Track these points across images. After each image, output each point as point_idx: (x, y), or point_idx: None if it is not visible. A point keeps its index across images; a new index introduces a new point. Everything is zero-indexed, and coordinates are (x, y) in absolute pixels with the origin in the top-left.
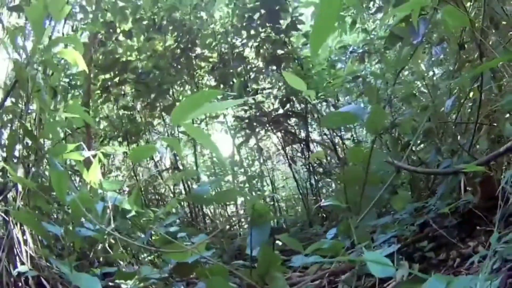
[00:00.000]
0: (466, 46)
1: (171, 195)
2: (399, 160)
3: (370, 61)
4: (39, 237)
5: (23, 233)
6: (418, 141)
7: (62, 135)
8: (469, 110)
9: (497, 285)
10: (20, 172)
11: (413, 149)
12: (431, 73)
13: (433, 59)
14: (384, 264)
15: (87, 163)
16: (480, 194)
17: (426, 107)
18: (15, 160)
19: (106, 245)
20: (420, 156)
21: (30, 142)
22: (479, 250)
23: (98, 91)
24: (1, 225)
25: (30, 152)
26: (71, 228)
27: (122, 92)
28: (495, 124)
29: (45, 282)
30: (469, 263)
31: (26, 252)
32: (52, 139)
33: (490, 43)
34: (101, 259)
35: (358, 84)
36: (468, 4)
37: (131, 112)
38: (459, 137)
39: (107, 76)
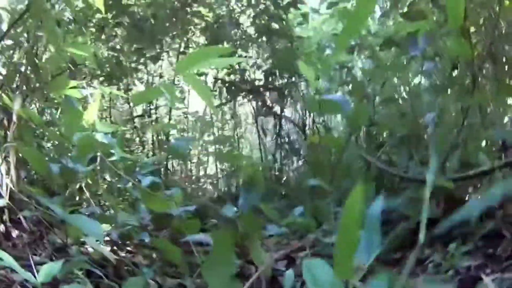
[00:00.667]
0: (458, 67)
1: (139, 143)
2: (371, 157)
3: (359, 55)
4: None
5: (7, 168)
6: (392, 144)
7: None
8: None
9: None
10: (18, 103)
11: (386, 150)
12: (416, 80)
13: (422, 70)
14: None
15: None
16: (443, 207)
17: (404, 114)
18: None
19: (83, 185)
20: (391, 158)
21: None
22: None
23: (93, 29)
24: None
25: (30, 84)
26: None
27: (114, 34)
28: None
29: (22, 220)
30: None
31: (7, 186)
32: (53, 73)
33: (484, 72)
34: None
35: (342, 74)
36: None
37: (118, 55)
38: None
39: (102, 16)
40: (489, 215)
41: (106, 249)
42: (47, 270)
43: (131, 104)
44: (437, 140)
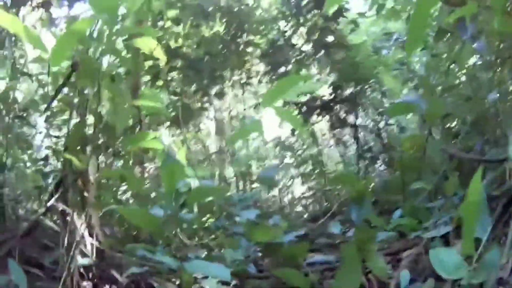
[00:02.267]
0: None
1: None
2: (451, 148)
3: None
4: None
5: (88, 226)
6: (466, 130)
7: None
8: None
9: None
10: (93, 164)
11: (462, 137)
12: (471, 61)
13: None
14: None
15: None
16: None
17: (468, 98)
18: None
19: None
20: (468, 144)
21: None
22: None
23: (147, 79)
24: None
25: (98, 142)
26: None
27: (169, 78)
28: None
29: (114, 273)
30: None
31: (92, 245)
32: (121, 128)
33: None
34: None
35: (402, 72)
36: None
37: (180, 98)
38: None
39: (154, 63)
40: None
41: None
42: None
43: (204, 144)
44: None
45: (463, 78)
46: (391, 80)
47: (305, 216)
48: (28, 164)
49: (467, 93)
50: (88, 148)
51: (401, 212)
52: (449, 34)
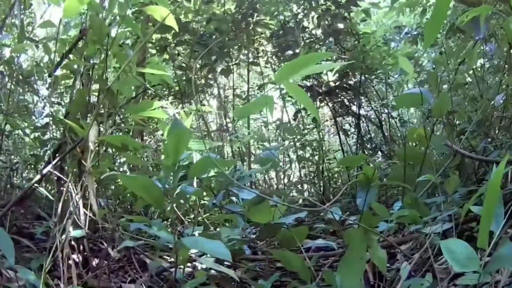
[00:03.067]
0: None
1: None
2: (455, 145)
3: (423, 45)
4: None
5: (83, 196)
6: (471, 129)
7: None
8: None
9: None
10: (94, 130)
11: (465, 136)
12: (478, 63)
13: (489, 56)
14: (469, 255)
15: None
16: None
17: (475, 98)
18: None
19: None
20: (471, 143)
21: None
22: None
23: (154, 51)
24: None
25: (103, 110)
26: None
27: (176, 52)
28: None
29: (106, 246)
30: None
31: (86, 215)
32: (126, 96)
33: None
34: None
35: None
36: None
37: (185, 72)
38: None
39: (162, 36)
40: None
41: (226, 268)
42: None
43: (206, 120)
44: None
45: (469, 78)
46: (407, 63)
47: (301, 201)
48: (28, 131)
49: (474, 93)
50: (90, 116)
51: (401, 205)
52: (460, 33)
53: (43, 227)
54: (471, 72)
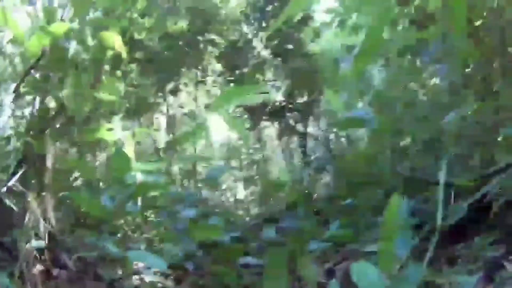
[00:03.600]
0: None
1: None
2: (401, 166)
3: (374, 64)
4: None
5: (43, 210)
6: (416, 149)
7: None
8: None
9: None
10: (51, 149)
11: (411, 155)
12: (431, 82)
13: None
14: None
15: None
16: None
17: (425, 117)
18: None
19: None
20: (417, 163)
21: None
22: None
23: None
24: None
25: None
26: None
27: (128, 69)
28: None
29: (65, 257)
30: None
31: (45, 228)
32: (79, 115)
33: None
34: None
35: (358, 85)
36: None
37: (136, 90)
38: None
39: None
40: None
41: (164, 280)
42: None
43: (154, 138)
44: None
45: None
46: (334, 97)
47: (246, 219)
48: None
49: (424, 112)
50: (47, 133)
51: (339, 224)
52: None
53: (11, 237)
54: (422, 90)
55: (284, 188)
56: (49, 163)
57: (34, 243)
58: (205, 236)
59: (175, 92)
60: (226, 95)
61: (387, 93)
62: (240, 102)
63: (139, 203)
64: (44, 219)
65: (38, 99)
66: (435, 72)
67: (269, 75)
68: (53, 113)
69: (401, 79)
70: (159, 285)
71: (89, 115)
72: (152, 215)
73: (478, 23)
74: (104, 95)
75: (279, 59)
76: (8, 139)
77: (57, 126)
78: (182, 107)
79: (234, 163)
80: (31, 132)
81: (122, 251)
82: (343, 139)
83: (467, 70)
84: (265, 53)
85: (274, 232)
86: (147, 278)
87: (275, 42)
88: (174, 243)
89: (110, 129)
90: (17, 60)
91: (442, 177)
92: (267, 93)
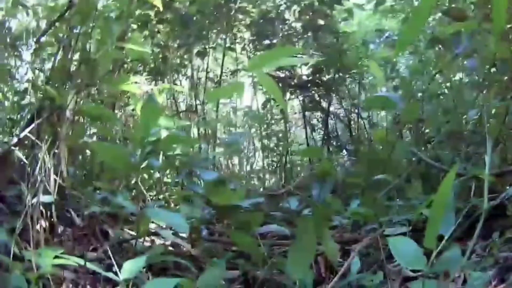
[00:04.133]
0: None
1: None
2: (420, 153)
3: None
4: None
5: (55, 164)
6: (438, 140)
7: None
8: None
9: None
10: (72, 100)
11: (432, 145)
12: (457, 77)
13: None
14: (416, 255)
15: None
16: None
17: (448, 110)
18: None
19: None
20: (438, 153)
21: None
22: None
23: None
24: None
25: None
26: None
27: (156, 30)
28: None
29: (72, 214)
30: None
31: (55, 181)
32: (104, 68)
33: None
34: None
35: (386, 69)
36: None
37: (162, 51)
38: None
39: (144, 12)
40: None
41: (183, 242)
42: (131, 266)
43: (177, 99)
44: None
45: (446, 90)
46: (378, 69)
47: (261, 189)
48: (9, 96)
49: (448, 105)
50: (68, 85)
51: (359, 203)
52: (441, 44)
53: (15, 191)
54: (448, 84)
55: (318, 155)
56: (68, 114)
57: (42, 197)
58: (225, 201)
59: (202, 55)
60: (264, 56)
61: (412, 81)
62: (277, 64)
63: (160, 160)
64: (55, 173)
65: (60, 51)
66: (460, 67)
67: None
68: (76, 64)
69: (428, 69)
70: (170, 248)
71: (113, 70)
72: (168, 177)
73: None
74: (132, 48)
75: (309, 33)
76: (25, 91)
77: (80, 78)
78: (207, 71)
79: (254, 131)
80: (50, 83)
81: (138, 208)
82: (364, 121)
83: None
84: (296, 26)
85: (296, 203)
86: (164, 240)
87: (307, 17)
88: (191, 205)
89: (136, 83)
90: (40, 12)
91: (487, 162)
92: (304, 56)
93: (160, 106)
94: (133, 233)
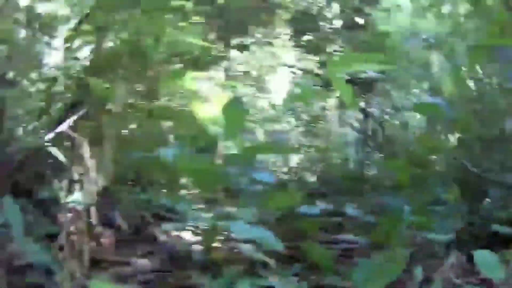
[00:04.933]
0: None
1: None
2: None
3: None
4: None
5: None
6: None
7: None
8: None
9: None
10: (121, 92)
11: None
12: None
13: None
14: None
15: None
16: None
17: (486, 116)
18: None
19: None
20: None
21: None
22: None
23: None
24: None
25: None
26: None
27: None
28: None
29: (116, 215)
30: None
31: (97, 182)
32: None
33: None
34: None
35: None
36: None
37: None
38: None
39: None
40: None
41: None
42: None
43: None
44: None
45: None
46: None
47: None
48: (36, 83)
49: (484, 111)
50: (113, 76)
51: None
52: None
53: (48, 190)
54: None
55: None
56: (117, 106)
57: (81, 198)
58: (286, 205)
59: (241, 47)
60: (344, 59)
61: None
62: (354, 68)
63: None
64: (97, 172)
65: (100, 39)
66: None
67: (335, 47)
68: (121, 54)
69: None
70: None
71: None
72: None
73: None
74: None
75: (349, 32)
76: (54, 80)
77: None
78: (245, 65)
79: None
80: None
81: (214, 220)
82: (397, 122)
83: None
84: (336, 24)
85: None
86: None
87: (346, 14)
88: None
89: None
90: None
91: None
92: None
93: (245, 109)
94: (188, 239)
